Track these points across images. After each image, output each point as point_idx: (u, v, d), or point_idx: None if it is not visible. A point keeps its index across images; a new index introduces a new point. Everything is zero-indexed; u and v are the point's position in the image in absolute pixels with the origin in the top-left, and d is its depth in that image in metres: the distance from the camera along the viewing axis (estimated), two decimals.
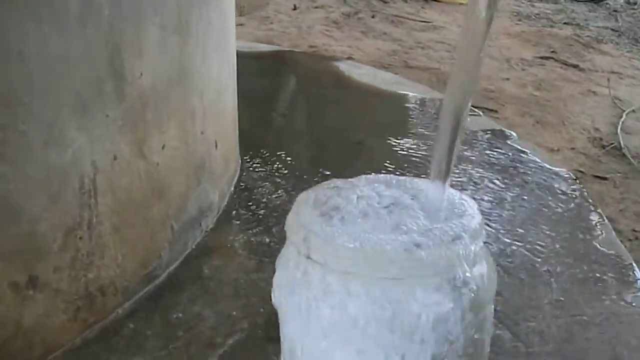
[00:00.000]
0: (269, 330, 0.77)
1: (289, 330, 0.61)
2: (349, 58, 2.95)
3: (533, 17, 4.08)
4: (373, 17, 3.61)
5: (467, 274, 0.57)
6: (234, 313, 0.87)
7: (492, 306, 0.63)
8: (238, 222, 1.09)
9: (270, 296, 0.65)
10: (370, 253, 0.54)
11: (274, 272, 0.63)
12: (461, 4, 4.11)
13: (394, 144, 1.43)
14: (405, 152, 1.39)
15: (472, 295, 0.57)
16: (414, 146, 1.43)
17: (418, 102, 1.78)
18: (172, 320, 0.85)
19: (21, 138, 0.68)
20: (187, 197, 0.98)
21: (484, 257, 0.60)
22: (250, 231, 1.06)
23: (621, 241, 1.78)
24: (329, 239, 0.55)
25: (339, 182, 0.64)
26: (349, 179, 0.65)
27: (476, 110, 1.79)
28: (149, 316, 0.86)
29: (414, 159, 1.37)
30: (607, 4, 4.72)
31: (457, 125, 0.59)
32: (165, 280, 0.93)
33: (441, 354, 0.55)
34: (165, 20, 0.86)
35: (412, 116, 1.66)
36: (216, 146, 1.07)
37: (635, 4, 4.86)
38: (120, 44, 0.78)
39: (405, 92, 1.82)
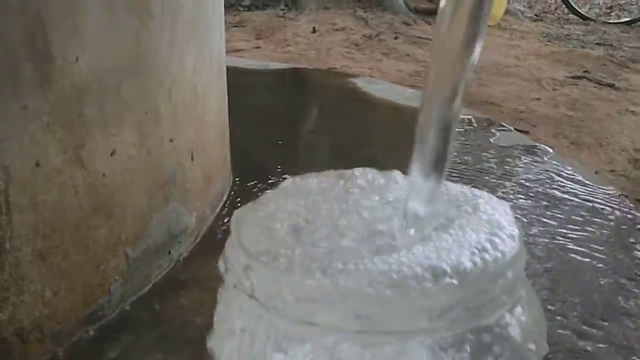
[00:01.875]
0: None
1: None
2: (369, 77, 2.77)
3: (563, 38, 3.88)
4: (396, 38, 3.42)
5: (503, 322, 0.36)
6: None
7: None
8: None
9: None
10: (346, 292, 0.33)
11: None
12: (488, 26, 3.92)
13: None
14: None
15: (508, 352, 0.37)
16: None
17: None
18: None
19: None
20: (148, 218, 0.78)
21: (526, 291, 0.40)
22: None
23: None
24: (282, 269, 0.35)
25: (298, 179, 0.44)
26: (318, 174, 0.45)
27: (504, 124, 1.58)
28: None
29: None
30: (639, 25, 4.52)
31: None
32: (115, 322, 0.73)
33: None
34: None
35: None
36: (192, 158, 0.88)
37: None
38: (43, 16, 0.59)
39: None
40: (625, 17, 4.72)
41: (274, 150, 1.30)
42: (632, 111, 2.60)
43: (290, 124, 1.53)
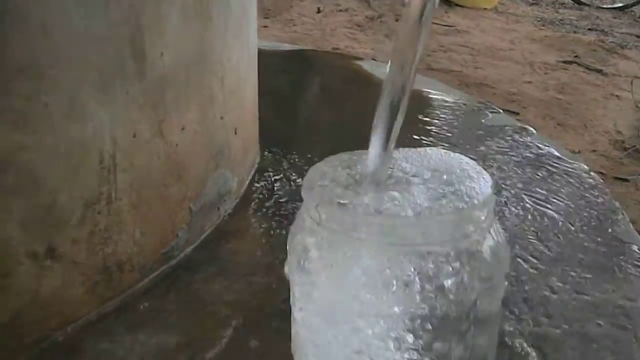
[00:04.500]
0: (282, 307, 0.77)
1: (294, 294, 0.62)
2: (372, 59, 2.96)
3: (557, 22, 4.06)
4: (397, 20, 3.60)
5: (478, 246, 0.57)
6: (248, 292, 0.87)
7: (504, 281, 0.63)
8: (256, 209, 1.10)
9: (281, 278, 0.66)
10: (380, 221, 0.54)
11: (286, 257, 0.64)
12: (485, 8, 4.11)
13: (410, 139, 1.43)
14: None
15: (483, 265, 0.58)
16: (430, 143, 1.43)
17: (437, 100, 1.78)
18: (188, 298, 0.86)
19: (43, 109, 0.69)
20: (205, 180, 0.99)
21: (495, 226, 0.61)
22: (267, 218, 1.07)
23: None
24: (340, 206, 0.56)
25: (345, 156, 0.65)
26: (355, 152, 0.65)
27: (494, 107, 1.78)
28: (164, 294, 0.87)
29: None
30: (632, 11, 4.69)
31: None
32: (181, 261, 0.94)
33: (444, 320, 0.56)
34: (186, 3, 0.87)
35: (429, 114, 1.66)
36: (236, 132, 1.08)
37: None
38: (141, 24, 0.79)
39: (425, 90, 1.82)
40: (618, 2, 4.89)
41: (290, 127, 1.50)
42: (617, 95, 2.81)
43: (304, 103, 1.73)
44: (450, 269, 0.56)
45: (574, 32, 3.86)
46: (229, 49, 1.02)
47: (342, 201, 0.56)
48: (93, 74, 0.74)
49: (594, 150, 2.30)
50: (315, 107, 1.73)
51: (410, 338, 0.56)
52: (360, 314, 0.56)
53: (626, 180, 2.09)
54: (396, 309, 0.55)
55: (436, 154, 0.65)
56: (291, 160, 1.29)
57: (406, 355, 0.57)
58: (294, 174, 1.22)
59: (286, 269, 0.64)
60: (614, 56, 3.39)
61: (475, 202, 0.57)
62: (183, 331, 0.80)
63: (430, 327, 0.56)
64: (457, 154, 0.65)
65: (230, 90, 1.04)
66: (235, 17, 1.03)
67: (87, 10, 0.71)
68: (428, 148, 0.66)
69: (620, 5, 4.76)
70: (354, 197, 0.57)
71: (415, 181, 0.60)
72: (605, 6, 4.76)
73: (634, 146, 2.31)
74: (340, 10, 3.78)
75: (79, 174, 0.75)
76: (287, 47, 2.33)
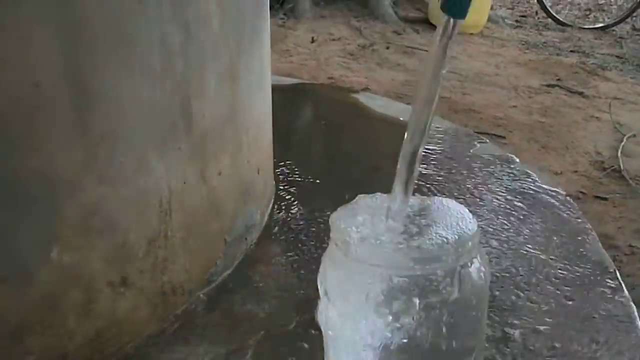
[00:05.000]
0: (307, 320, 0.97)
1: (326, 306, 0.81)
2: (366, 89, 3.16)
3: (540, 45, 4.28)
4: (387, 48, 3.82)
5: (467, 270, 0.77)
6: (279, 309, 1.06)
7: (487, 297, 0.82)
8: (276, 238, 1.28)
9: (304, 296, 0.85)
10: (389, 251, 0.73)
11: (307, 278, 0.83)
12: (471, 34, 4.33)
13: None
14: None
15: (470, 288, 0.77)
16: (425, 170, 1.62)
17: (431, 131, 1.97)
18: (228, 315, 1.05)
19: (119, 167, 0.88)
20: (236, 216, 1.18)
21: (481, 257, 0.80)
22: (286, 245, 1.26)
23: (617, 255, 1.97)
24: (362, 242, 0.75)
25: (362, 198, 0.84)
26: (375, 195, 0.84)
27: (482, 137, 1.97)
28: (209, 312, 1.06)
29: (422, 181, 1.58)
30: (613, 30, 4.92)
31: (420, 139, 0.78)
32: (220, 284, 1.12)
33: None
34: (221, 69, 1.07)
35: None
36: (258, 173, 1.27)
37: None
38: (189, 91, 0.99)
39: None
40: (600, 22, 5.13)
41: (298, 161, 1.69)
42: (597, 117, 3.02)
43: (307, 137, 1.92)
44: (448, 286, 0.75)
45: (557, 54, 4.08)
46: (253, 102, 1.22)
47: (364, 237, 0.75)
48: (154, 136, 0.93)
49: (575, 171, 2.50)
50: (318, 140, 1.92)
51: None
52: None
53: (605, 199, 2.29)
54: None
55: (438, 202, 0.84)
56: (303, 192, 1.48)
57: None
58: (305, 205, 1.41)
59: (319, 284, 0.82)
60: (595, 78, 3.61)
61: (466, 236, 0.76)
62: (228, 342, 0.99)
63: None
64: (453, 202, 0.84)
65: (254, 137, 1.24)
66: (257, 74, 1.23)
67: (148, 84, 0.91)
68: (432, 197, 0.85)
69: (601, 25, 4.99)
70: (375, 235, 0.76)
71: (424, 222, 0.79)
72: (587, 26, 4.98)
73: (612, 166, 2.52)
74: (334, 40, 3.99)
75: (144, 217, 0.94)
76: (287, 81, 2.53)
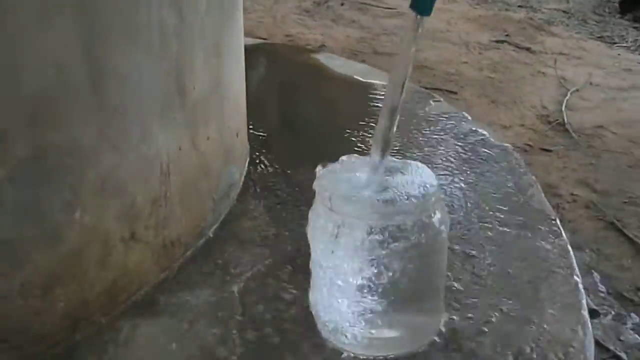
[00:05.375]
0: (292, 262, 1.14)
1: (314, 252, 0.97)
2: (322, 45, 3.30)
3: (490, 0, 4.44)
4: (342, 4, 3.94)
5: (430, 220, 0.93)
6: (266, 254, 1.22)
7: (446, 243, 0.99)
8: (254, 194, 1.44)
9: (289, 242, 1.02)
10: (367, 205, 0.90)
11: (292, 224, 1.01)
12: None
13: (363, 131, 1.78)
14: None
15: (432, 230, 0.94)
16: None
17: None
18: (221, 263, 1.20)
19: (127, 136, 1.02)
20: (221, 176, 1.33)
21: (441, 209, 0.97)
22: (264, 199, 1.41)
23: (561, 203, 2.17)
24: (343, 197, 0.91)
25: (345, 159, 0.99)
26: (353, 157, 1.00)
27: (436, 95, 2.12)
28: (204, 261, 1.21)
29: None
30: None
31: (395, 105, 0.94)
32: (210, 238, 1.28)
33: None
34: (208, 46, 1.20)
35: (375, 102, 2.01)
36: (237, 136, 1.42)
37: None
38: (183, 68, 1.12)
39: (375, 82, 2.17)
40: None
41: (267, 124, 1.83)
42: (543, 72, 3.21)
43: (273, 100, 2.06)
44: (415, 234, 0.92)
45: (506, 9, 4.26)
46: (232, 73, 1.35)
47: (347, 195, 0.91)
48: (155, 108, 1.07)
49: (522, 125, 2.69)
50: (283, 102, 2.07)
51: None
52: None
53: (550, 150, 2.49)
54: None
55: (406, 163, 1.00)
56: (273, 152, 1.63)
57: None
58: (277, 164, 1.56)
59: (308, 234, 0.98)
60: (542, 33, 3.80)
61: (430, 193, 0.93)
62: (223, 286, 1.15)
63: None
64: (418, 163, 1.00)
65: (234, 104, 1.38)
66: (235, 48, 1.36)
67: (150, 62, 1.04)
68: (402, 160, 1.01)
69: None
70: (355, 191, 0.92)
71: (394, 181, 0.95)
72: None
73: (557, 120, 2.72)
74: None
75: (148, 180, 1.08)
76: (249, 42, 2.64)
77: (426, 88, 2.86)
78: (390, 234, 0.90)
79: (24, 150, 0.87)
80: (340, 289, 0.95)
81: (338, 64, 2.40)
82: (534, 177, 1.57)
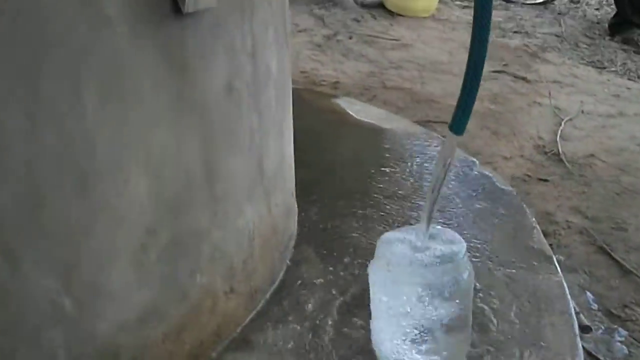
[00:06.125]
0: (348, 300, 1.51)
1: (372, 290, 1.34)
2: (337, 82, 3.66)
3: None
4: (350, 38, 4.31)
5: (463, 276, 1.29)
6: (325, 294, 1.58)
7: (472, 288, 1.35)
8: (306, 241, 1.79)
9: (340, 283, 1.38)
10: (414, 269, 1.26)
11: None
12: (424, 17, 4.84)
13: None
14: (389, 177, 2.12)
15: (462, 283, 1.30)
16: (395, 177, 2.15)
17: (404, 136, 2.50)
18: (292, 304, 1.56)
19: (228, 215, 1.38)
20: (284, 231, 1.69)
21: (468, 265, 1.33)
22: (315, 247, 1.77)
23: (557, 230, 2.54)
24: (397, 261, 1.27)
25: (398, 232, 1.36)
26: (407, 229, 1.36)
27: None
28: (279, 303, 1.57)
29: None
30: (553, 4, 5.48)
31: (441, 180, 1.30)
32: (280, 283, 1.64)
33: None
34: (275, 132, 1.56)
35: (396, 149, 2.38)
36: (292, 195, 1.78)
37: (578, 1, 5.63)
38: (262, 155, 1.48)
39: (394, 127, 2.54)
40: None
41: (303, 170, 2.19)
42: (539, 102, 3.58)
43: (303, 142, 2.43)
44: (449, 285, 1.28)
45: (502, 36, 4.63)
46: (289, 147, 1.71)
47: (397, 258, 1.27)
48: (245, 190, 1.43)
49: (522, 155, 3.06)
50: (313, 151, 2.43)
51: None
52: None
53: (546, 180, 2.85)
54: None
55: (441, 230, 1.36)
56: (315, 199, 1.98)
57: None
58: (318, 210, 1.92)
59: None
60: (536, 61, 4.17)
61: (460, 254, 1.29)
62: (298, 322, 1.50)
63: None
64: (446, 229, 1.37)
65: (290, 169, 1.74)
66: (289, 125, 1.72)
67: (242, 158, 1.40)
68: (436, 226, 1.37)
69: (541, 0, 5.55)
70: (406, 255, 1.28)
71: (431, 245, 1.31)
72: (528, 2, 5.53)
73: (552, 150, 3.08)
74: (300, 31, 4.46)
75: (241, 246, 1.44)
76: None
77: (434, 122, 3.24)
78: (436, 288, 1.27)
79: (166, 238, 1.23)
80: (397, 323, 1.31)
81: (357, 109, 2.76)
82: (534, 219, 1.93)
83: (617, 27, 4.73)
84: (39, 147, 0.98)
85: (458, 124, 1.23)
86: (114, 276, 1.15)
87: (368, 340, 1.42)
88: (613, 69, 4.16)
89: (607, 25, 4.87)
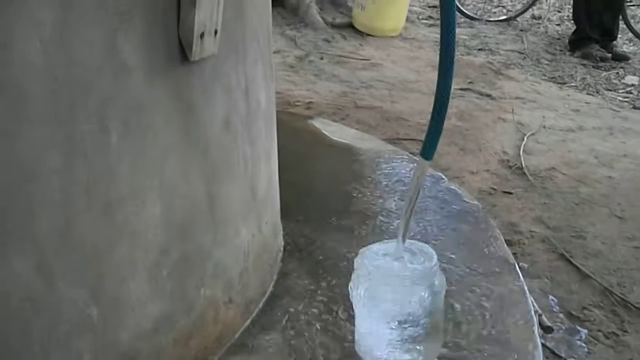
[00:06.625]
0: (335, 309, 1.70)
1: (354, 300, 1.53)
2: (310, 102, 3.87)
3: None
4: (322, 59, 4.52)
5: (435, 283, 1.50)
6: (313, 303, 1.78)
7: (444, 294, 1.56)
8: (292, 255, 1.99)
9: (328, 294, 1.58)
10: (393, 279, 1.46)
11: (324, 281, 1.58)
12: (392, 37, 5.07)
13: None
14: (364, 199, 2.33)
15: (435, 289, 1.50)
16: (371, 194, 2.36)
17: (377, 155, 2.70)
18: (282, 313, 1.76)
19: (227, 235, 1.57)
20: (273, 247, 1.88)
21: (440, 274, 1.53)
22: (301, 260, 1.97)
23: (521, 239, 2.77)
24: (377, 271, 1.47)
25: (376, 246, 1.56)
26: (384, 243, 1.56)
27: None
28: (270, 312, 1.76)
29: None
30: (515, 20, 5.75)
31: (414, 199, 1.51)
32: (270, 293, 1.83)
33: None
34: (264, 159, 1.76)
35: (372, 168, 2.58)
36: (279, 214, 1.98)
37: (539, 17, 5.92)
38: (254, 180, 1.68)
39: (368, 147, 2.75)
40: (503, 14, 5.96)
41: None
42: (503, 118, 3.82)
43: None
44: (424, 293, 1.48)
45: (467, 53, 4.88)
46: (275, 169, 1.91)
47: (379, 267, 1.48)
48: (241, 213, 1.63)
49: (488, 170, 3.29)
50: (292, 172, 2.62)
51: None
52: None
53: (510, 193, 3.08)
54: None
55: (414, 244, 1.57)
56: (298, 217, 2.18)
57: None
58: (303, 227, 2.12)
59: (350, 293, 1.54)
60: (500, 78, 4.42)
61: (433, 264, 1.49)
62: (289, 329, 1.70)
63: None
64: (420, 242, 1.57)
65: (276, 192, 1.94)
66: (275, 151, 1.92)
67: (239, 186, 1.59)
68: (410, 241, 1.58)
69: (504, 17, 5.82)
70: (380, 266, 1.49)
71: (407, 257, 1.52)
72: (492, 19, 5.80)
73: (516, 164, 3.32)
74: (274, 52, 4.65)
75: (238, 261, 1.64)
76: None
77: (404, 139, 3.46)
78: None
79: (175, 257, 1.42)
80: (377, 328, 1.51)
81: (332, 130, 2.97)
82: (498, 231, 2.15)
83: (577, 42, 5.01)
84: (72, 179, 1.17)
85: (428, 151, 1.44)
86: (133, 289, 1.34)
87: (352, 346, 1.62)
88: (573, 84, 4.43)
89: (567, 40, 5.14)
